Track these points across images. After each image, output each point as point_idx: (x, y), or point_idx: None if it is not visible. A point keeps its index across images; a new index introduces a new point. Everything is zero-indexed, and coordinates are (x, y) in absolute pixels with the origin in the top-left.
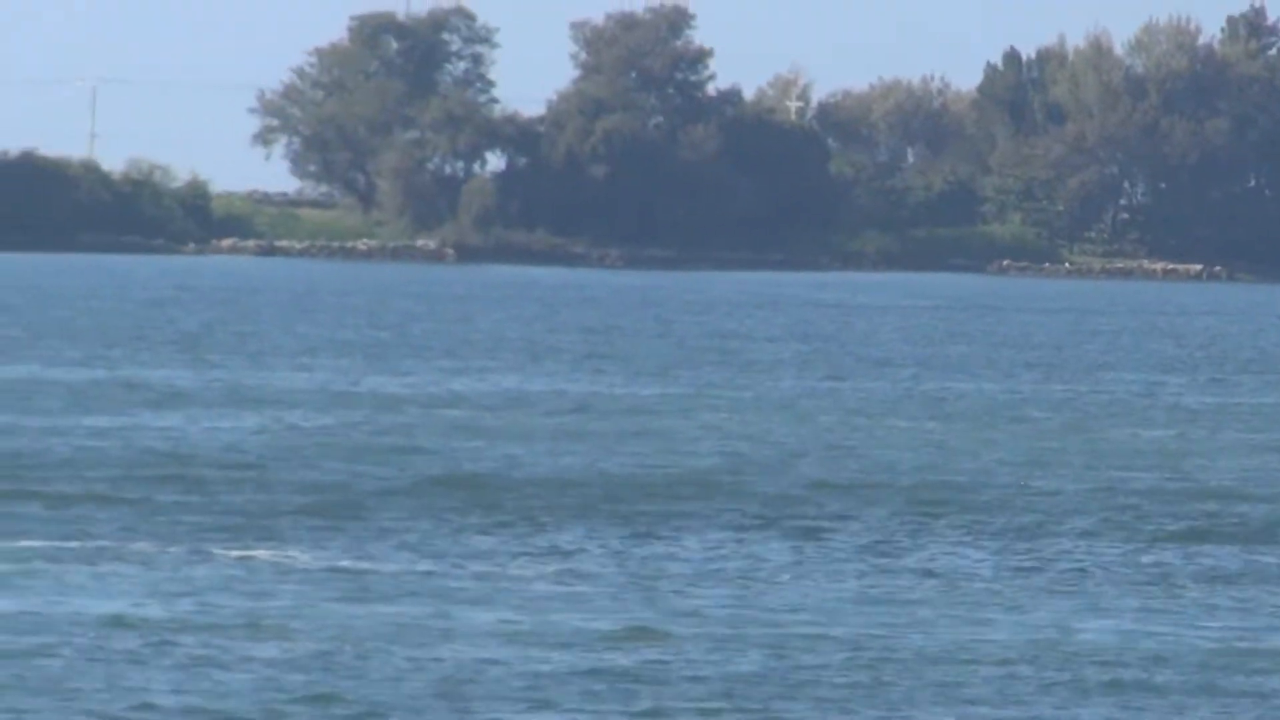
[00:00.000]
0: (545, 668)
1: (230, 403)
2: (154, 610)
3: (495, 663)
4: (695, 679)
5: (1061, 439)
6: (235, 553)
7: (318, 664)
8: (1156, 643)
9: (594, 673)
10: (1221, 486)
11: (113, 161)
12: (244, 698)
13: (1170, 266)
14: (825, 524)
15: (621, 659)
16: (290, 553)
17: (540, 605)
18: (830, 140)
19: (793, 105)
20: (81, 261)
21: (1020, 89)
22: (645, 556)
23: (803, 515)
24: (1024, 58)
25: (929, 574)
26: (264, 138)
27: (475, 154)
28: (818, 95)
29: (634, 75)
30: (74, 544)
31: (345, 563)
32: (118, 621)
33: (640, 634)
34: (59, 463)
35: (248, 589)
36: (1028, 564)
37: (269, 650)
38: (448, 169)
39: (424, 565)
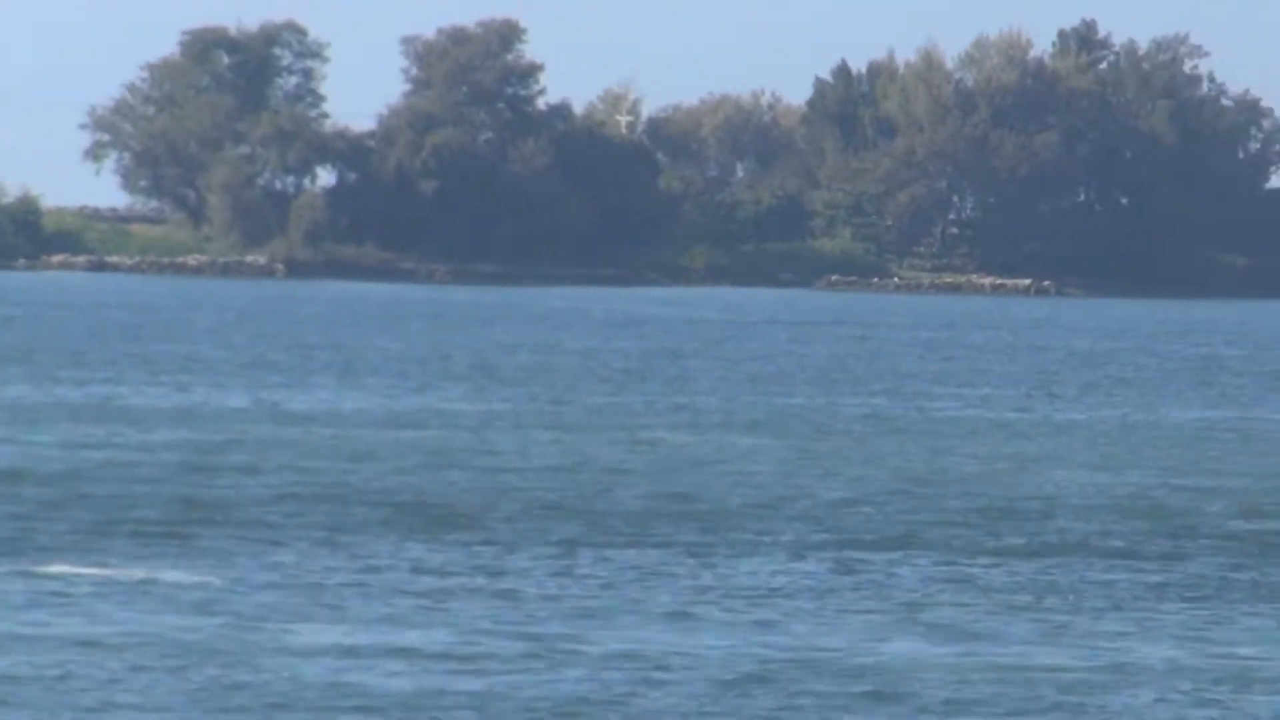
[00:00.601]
0: (365, 687)
1: (74, 419)
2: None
3: (314, 682)
4: (523, 698)
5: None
6: (58, 568)
7: (128, 681)
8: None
9: (419, 693)
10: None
11: None
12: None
13: (999, 281)
14: (653, 540)
15: (442, 679)
16: (110, 570)
17: (360, 622)
18: (660, 155)
19: (623, 120)
20: None
21: (850, 103)
22: (474, 570)
23: (625, 533)
24: (855, 72)
25: (739, 589)
26: (95, 153)
27: (305, 169)
28: (648, 110)
29: (464, 90)
30: None
31: (170, 579)
32: None
33: (457, 655)
34: None
35: (75, 607)
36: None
37: (92, 669)
38: (278, 184)
39: (257, 579)
